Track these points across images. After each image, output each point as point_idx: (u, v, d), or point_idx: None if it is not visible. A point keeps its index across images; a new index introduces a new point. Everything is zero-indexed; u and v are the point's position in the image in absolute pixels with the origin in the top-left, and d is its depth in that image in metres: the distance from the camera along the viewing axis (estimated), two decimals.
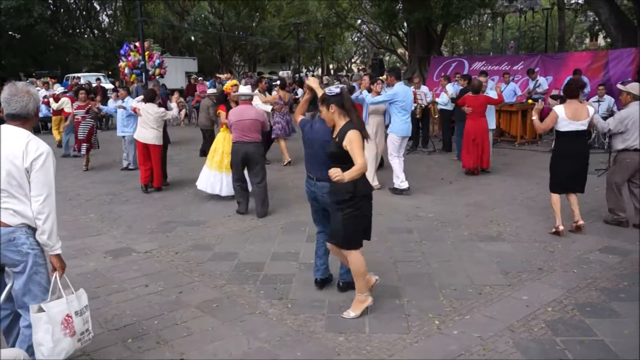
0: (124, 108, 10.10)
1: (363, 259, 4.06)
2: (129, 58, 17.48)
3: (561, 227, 5.86)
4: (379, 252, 5.54)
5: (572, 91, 5.85)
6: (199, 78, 21.53)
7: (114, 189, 8.84)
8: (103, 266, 5.34)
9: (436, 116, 12.87)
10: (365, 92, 8.03)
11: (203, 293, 4.63)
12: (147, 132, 8.41)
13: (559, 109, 5.76)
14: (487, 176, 9.17)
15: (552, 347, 3.60)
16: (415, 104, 10.95)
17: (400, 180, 7.96)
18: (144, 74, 16.15)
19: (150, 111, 8.40)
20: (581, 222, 5.93)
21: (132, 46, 17.58)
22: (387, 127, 8.42)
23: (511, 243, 5.75)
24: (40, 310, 2.94)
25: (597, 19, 20.27)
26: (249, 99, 7.14)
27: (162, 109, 8.51)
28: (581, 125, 5.75)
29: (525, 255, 5.37)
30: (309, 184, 4.37)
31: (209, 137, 11.48)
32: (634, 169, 6.04)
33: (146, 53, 16.62)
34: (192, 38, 35.06)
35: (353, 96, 8.48)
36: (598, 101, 11.27)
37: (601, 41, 44.69)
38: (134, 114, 10.26)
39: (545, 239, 5.82)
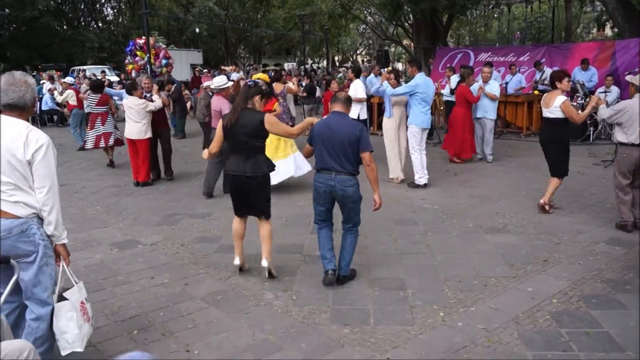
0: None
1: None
2: (136, 59, 17.32)
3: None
4: (384, 244, 5.54)
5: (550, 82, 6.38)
6: (204, 70, 21.48)
7: (119, 182, 8.86)
8: (109, 258, 5.36)
9: (441, 108, 12.85)
10: (385, 83, 7.95)
11: (208, 285, 4.65)
12: (131, 127, 8.25)
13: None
14: (491, 167, 9.14)
15: (557, 338, 3.59)
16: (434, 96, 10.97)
17: (419, 176, 7.88)
18: (149, 67, 16.11)
19: (131, 104, 8.21)
20: (541, 201, 6.51)
21: (137, 45, 17.33)
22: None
23: (516, 235, 5.74)
24: (62, 298, 3.04)
25: (604, 9, 20.06)
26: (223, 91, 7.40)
27: (143, 101, 8.24)
28: (548, 113, 6.23)
29: (530, 246, 5.35)
30: (326, 178, 4.36)
31: (207, 130, 11.45)
32: (631, 165, 5.67)
33: (152, 51, 16.49)
34: (197, 30, 34.96)
35: (373, 89, 8.49)
36: (605, 92, 11.19)
37: (608, 31, 44.32)
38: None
39: (550, 231, 5.80)
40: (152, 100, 8.43)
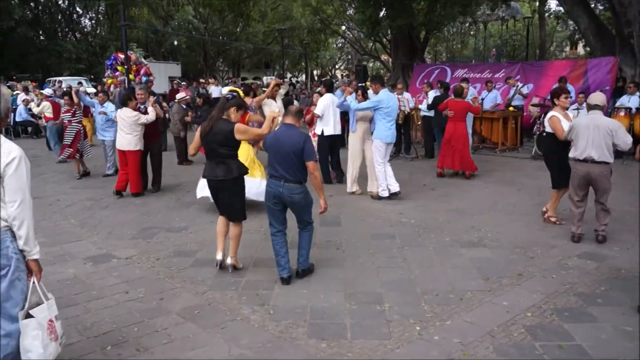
0: (105, 113, 9.95)
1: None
2: (116, 74, 17.16)
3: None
4: (361, 258, 5.55)
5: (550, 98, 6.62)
6: (182, 83, 21.39)
7: (95, 195, 8.74)
8: (83, 272, 5.27)
9: (419, 122, 13.02)
10: (349, 97, 8.08)
11: (184, 299, 4.60)
12: (121, 138, 8.34)
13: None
14: (468, 182, 9.26)
15: (531, 352, 3.63)
16: (398, 111, 11.05)
17: (382, 189, 8.00)
18: (126, 81, 15.97)
19: (123, 116, 8.29)
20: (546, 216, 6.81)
21: (119, 60, 17.16)
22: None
23: (492, 249, 5.81)
24: (29, 316, 2.95)
25: (576, 27, 20.62)
26: None
27: (136, 113, 8.30)
28: (547, 127, 6.55)
29: (505, 261, 5.42)
30: (276, 185, 4.72)
31: (179, 144, 11.43)
32: (580, 180, 5.87)
33: (133, 67, 16.36)
34: (176, 43, 34.83)
35: (337, 103, 8.55)
36: (577, 109, 11.42)
37: (581, 50, 45.40)
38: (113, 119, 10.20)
39: (525, 245, 5.89)
40: (146, 112, 8.51)
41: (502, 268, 5.21)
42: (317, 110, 9.11)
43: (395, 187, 7.99)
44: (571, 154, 5.92)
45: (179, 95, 12.06)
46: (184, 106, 11.57)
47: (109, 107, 9.99)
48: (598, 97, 5.95)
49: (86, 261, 5.60)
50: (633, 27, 13.45)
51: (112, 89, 16.81)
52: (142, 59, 19.17)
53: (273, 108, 9.40)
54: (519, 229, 6.52)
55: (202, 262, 5.48)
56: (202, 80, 23.97)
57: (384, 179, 7.98)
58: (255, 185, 7.18)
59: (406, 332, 3.94)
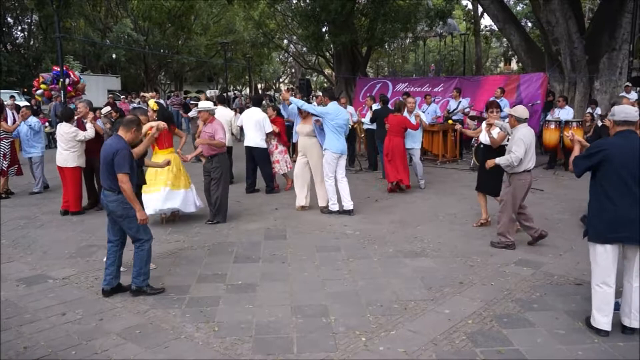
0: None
1: None
2: (55, 86, 16.62)
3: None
4: (307, 271, 5.56)
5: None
6: (121, 97, 20.87)
7: (28, 213, 8.36)
8: (15, 295, 5.01)
9: (362, 135, 13.21)
10: (292, 98, 8.27)
11: (125, 319, 4.46)
12: (59, 154, 8.13)
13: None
14: (411, 194, 9.46)
15: (472, 358, 3.74)
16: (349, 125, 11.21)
17: (332, 202, 8.02)
18: (62, 92, 15.45)
19: (62, 132, 8.07)
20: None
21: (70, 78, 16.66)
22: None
23: (434, 258, 5.95)
24: None
25: (509, 45, 21.62)
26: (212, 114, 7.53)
27: (74, 129, 8.08)
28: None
29: (447, 270, 5.57)
30: (102, 193, 4.94)
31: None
32: (527, 189, 6.20)
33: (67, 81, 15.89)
34: (114, 56, 33.98)
35: (286, 110, 8.78)
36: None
37: (514, 65, 47.61)
38: (39, 133, 9.86)
39: (465, 254, 6.07)
40: (85, 128, 8.27)
41: (444, 277, 5.35)
42: (238, 122, 9.96)
43: (348, 205, 8.00)
44: (523, 167, 6.03)
45: (103, 110, 11.75)
46: (112, 119, 11.27)
47: (32, 120, 9.67)
48: (525, 112, 6.18)
49: (19, 283, 5.34)
50: (560, 44, 14.23)
51: (42, 99, 16.32)
52: (77, 72, 18.68)
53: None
54: (460, 238, 6.71)
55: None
56: (143, 93, 23.50)
57: (334, 193, 8.00)
58: (180, 197, 7.32)
59: (352, 344, 3.97)
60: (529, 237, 6.39)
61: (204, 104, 7.70)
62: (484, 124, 7.14)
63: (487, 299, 4.76)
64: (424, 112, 13.09)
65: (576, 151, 4.45)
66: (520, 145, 5.94)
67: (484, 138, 7.03)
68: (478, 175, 7.24)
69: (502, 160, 6.14)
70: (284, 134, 10.07)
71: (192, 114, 17.18)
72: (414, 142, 9.86)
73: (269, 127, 9.43)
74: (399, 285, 5.15)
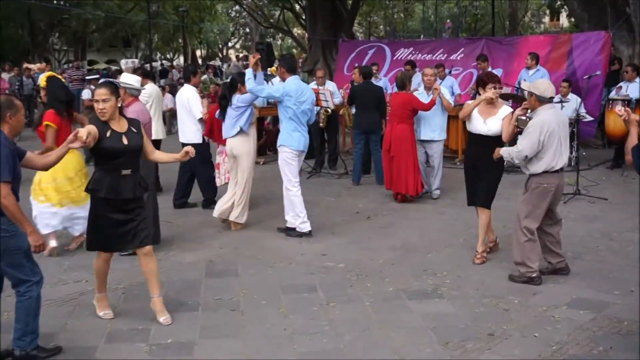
0: None
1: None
2: None
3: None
4: (269, 322, 5.53)
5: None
6: None
7: None
8: None
9: (350, 124, 13.10)
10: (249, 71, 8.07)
11: None
12: None
13: None
14: (419, 207, 9.48)
15: None
16: (319, 108, 11.16)
17: (301, 220, 8.03)
18: None
19: None
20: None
21: None
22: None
23: (452, 300, 5.97)
24: None
25: None
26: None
27: None
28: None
29: (470, 316, 5.58)
30: None
31: None
32: (551, 198, 6.21)
33: None
34: None
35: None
36: (561, 101, 11.92)
37: (564, 21, 48.31)
38: None
39: (496, 293, 6.09)
40: None
41: (466, 327, 5.36)
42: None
43: (304, 226, 8.03)
44: (541, 166, 6.12)
45: None
46: None
47: None
48: (551, 88, 6.24)
49: None
50: None
51: None
52: None
53: None
54: (488, 270, 6.74)
55: None
56: (27, 65, 23.28)
57: (301, 206, 8.03)
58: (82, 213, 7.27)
59: None
60: (585, 264, 6.41)
61: (128, 78, 7.55)
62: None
63: (529, 357, 4.78)
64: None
65: (634, 136, 4.49)
66: (531, 137, 6.01)
67: (482, 126, 6.94)
68: (465, 180, 7.39)
69: (505, 152, 6.32)
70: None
71: (86, 94, 16.98)
72: (433, 129, 9.73)
73: (198, 111, 9.21)
74: (402, 339, 5.14)
